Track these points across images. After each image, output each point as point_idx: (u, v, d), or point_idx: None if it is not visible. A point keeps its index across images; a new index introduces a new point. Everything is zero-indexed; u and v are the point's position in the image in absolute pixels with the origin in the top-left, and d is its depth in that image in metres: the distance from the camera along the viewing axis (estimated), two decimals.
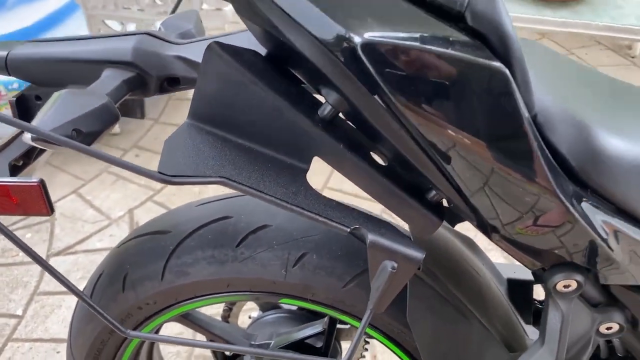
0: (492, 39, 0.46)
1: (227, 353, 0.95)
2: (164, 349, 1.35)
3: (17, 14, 2.25)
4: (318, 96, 0.54)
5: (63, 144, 0.45)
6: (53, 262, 1.59)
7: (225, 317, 1.01)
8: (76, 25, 2.13)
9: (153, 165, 1.83)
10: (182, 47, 0.62)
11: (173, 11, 0.79)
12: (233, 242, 0.69)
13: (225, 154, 0.50)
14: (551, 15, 1.61)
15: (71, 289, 0.55)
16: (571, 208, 0.49)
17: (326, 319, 0.85)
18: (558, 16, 1.61)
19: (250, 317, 1.00)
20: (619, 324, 0.58)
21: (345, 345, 0.92)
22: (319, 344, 0.86)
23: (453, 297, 0.68)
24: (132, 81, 0.59)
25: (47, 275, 1.57)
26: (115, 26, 1.76)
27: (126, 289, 0.73)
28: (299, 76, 0.54)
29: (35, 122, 0.49)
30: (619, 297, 0.58)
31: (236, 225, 0.69)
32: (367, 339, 0.94)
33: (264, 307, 0.98)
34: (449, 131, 0.46)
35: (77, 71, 0.62)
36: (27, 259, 1.60)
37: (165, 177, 0.46)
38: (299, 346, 0.85)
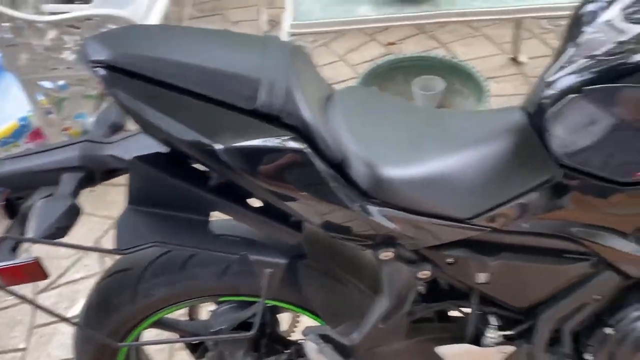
0: (300, 128, 0.77)
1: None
2: (150, 348, 1.65)
3: None
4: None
5: (51, 244, 0.74)
6: (42, 297, 1.86)
7: (191, 315, 1.31)
8: (6, 85, 2.31)
9: (110, 195, 2.08)
10: (112, 147, 0.89)
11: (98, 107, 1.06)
12: (176, 267, 0.99)
13: (154, 224, 0.80)
14: (416, 11, 1.91)
15: (68, 320, 0.85)
16: (365, 215, 0.81)
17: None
18: (422, 11, 1.91)
19: (209, 311, 1.30)
20: (429, 271, 0.92)
21: (280, 317, 1.23)
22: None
23: (333, 271, 1.00)
24: (84, 179, 0.87)
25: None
26: (47, 85, 1.99)
27: (110, 313, 1.03)
28: (191, 161, 0.84)
29: (30, 231, 0.77)
30: (424, 254, 0.91)
31: (176, 255, 0.99)
32: (297, 319, 1.25)
33: (218, 302, 1.28)
34: (283, 187, 0.77)
35: (44, 178, 0.89)
36: (18, 300, 1.86)
37: (120, 250, 0.76)
38: (245, 325, 1.16)
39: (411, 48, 2.71)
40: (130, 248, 0.77)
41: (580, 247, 0.90)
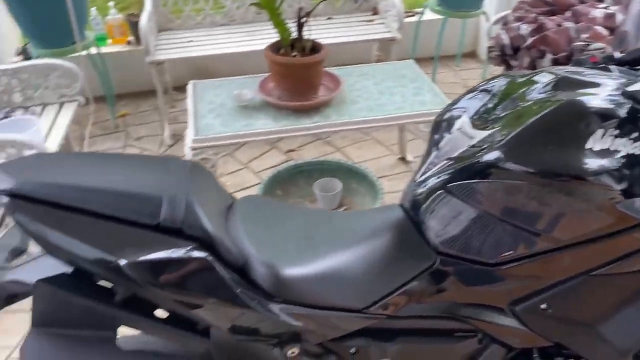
0: (202, 238, 0.83)
1: None
2: None
3: None
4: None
5: None
6: None
7: None
8: None
9: (2, 323, 1.96)
10: (14, 271, 0.90)
11: None
12: None
13: (60, 346, 0.81)
14: (309, 122, 2.09)
15: None
16: (269, 314, 0.86)
17: None
18: (313, 122, 2.10)
19: None
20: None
21: None
22: None
23: None
24: None
25: None
26: None
27: None
28: (96, 279, 0.87)
29: None
30: (329, 347, 0.97)
31: None
32: None
33: None
34: (188, 295, 0.82)
35: None
36: None
37: None
38: None
39: (310, 154, 2.90)
40: None
41: (466, 325, 1.00)
